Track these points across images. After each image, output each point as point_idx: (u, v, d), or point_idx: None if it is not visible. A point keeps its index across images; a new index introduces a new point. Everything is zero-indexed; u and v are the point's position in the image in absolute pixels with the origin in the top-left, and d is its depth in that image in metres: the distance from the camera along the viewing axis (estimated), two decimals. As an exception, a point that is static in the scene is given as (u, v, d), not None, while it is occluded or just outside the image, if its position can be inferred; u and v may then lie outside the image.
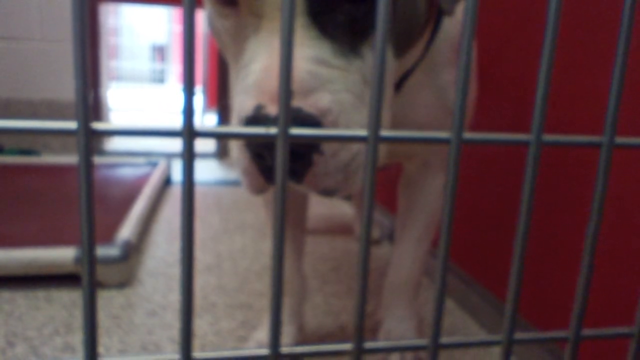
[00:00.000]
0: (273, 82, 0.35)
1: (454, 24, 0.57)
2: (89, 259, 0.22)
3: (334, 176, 0.37)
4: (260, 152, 0.36)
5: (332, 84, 0.36)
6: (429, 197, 0.67)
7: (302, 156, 0.36)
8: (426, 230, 0.69)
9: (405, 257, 0.70)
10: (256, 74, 0.36)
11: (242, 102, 0.36)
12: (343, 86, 0.36)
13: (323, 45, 0.36)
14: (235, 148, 0.38)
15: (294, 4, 0.22)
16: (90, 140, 0.21)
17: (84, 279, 0.23)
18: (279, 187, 0.24)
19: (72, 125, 0.21)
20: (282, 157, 0.24)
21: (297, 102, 0.35)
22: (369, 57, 0.38)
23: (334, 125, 0.36)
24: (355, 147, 0.38)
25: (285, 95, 0.23)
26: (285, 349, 0.27)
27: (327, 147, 0.36)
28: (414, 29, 0.42)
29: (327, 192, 0.38)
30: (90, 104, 0.21)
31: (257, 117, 0.35)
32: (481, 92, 0.89)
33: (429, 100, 0.57)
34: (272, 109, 0.34)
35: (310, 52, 0.36)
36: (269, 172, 0.37)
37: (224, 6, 0.39)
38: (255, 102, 0.35)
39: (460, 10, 0.58)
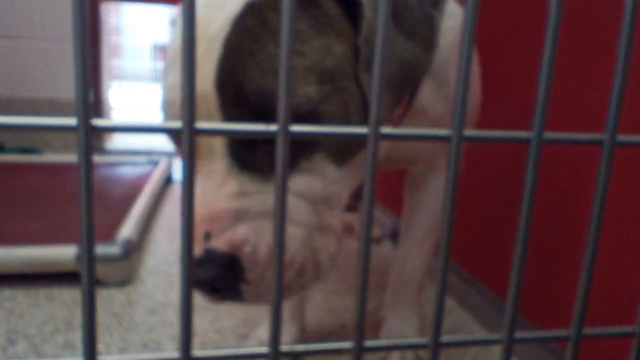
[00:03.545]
0: (199, 226, 0.39)
1: (455, 25, 0.56)
2: (88, 254, 0.22)
3: (270, 294, 0.41)
4: (197, 288, 0.40)
5: (248, 212, 0.40)
6: (433, 198, 0.67)
7: (230, 289, 0.40)
8: (430, 231, 0.69)
9: (409, 257, 0.70)
10: (202, 215, 0.41)
11: None
12: (260, 209, 0.40)
13: (242, 177, 0.40)
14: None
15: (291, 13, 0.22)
16: (90, 136, 0.21)
17: (84, 276, 0.23)
18: (279, 187, 0.24)
19: (72, 121, 0.21)
20: (282, 154, 0.24)
21: (212, 243, 0.39)
22: (302, 178, 0.41)
23: (253, 253, 0.39)
24: (287, 259, 0.41)
25: (285, 94, 0.23)
26: (285, 347, 0.26)
27: (251, 274, 0.40)
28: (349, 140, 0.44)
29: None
30: (90, 101, 0.21)
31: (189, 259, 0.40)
32: (482, 91, 0.89)
33: (440, 113, 0.57)
34: (195, 251, 0.39)
35: (228, 189, 0.40)
36: (212, 297, 0.41)
37: (177, 143, 0.44)
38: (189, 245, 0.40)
39: (460, 12, 0.58)
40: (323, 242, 0.43)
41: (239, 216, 0.39)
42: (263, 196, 0.40)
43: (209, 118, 0.40)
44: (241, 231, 0.39)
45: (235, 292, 0.40)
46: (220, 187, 0.40)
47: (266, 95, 0.38)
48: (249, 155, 0.40)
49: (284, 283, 0.41)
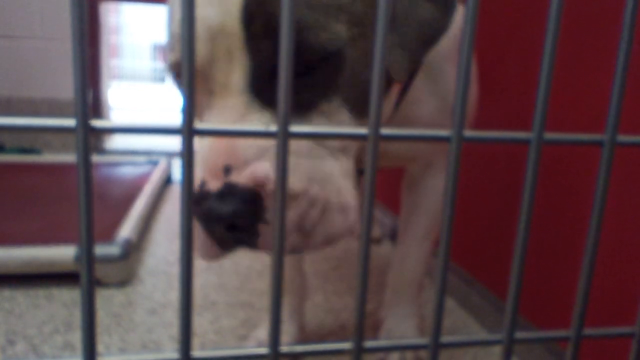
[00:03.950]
0: (217, 159, 0.37)
1: (454, 20, 0.56)
2: (88, 255, 0.22)
3: (287, 238, 0.38)
4: (210, 227, 0.37)
5: (271, 150, 0.38)
6: (432, 197, 0.67)
7: (248, 227, 0.38)
8: (428, 231, 0.69)
9: (408, 256, 0.70)
10: (204, 150, 0.38)
11: (195, 174, 0.38)
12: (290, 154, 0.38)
13: (264, 114, 0.38)
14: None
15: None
16: (89, 137, 0.21)
17: (83, 277, 0.23)
18: (279, 187, 0.24)
19: (70, 122, 0.21)
20: (281, 155, 0.24)
21: (233, 177, 0.37)
22: (320, 121, 0.39)
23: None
24: (304, 205, 0.38)
25: (285, 94, 0.23)
26: (284, 348, 0.26)
27: (271, 214, 0.37)
28: (367, 90, 0.43)
29: (286, 253, 0.40)
30: (89, 102, 0.21)
31: (202, 194, 0.37)
32: (482, 91, 0.88)
33: (433, 108, 0.57)
34: (213, 185, 0.37)
35: (249, 124, 0.38)
36: (222, 242, 0.39)
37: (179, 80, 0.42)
38: (200, 178, 0.38)
39: (460, 14, 0.58)
40: (345, 184, 0.41)
41: (261, 152, 0.37)
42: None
43: (228, 55, 0.37)
44: (264, 167, 0.37)
45: (252, 233, 0.37)
46: (239, 121, 0.38)
47: (302, 27, 0.36)
48: (270, 92, 0.38)
49: (307, 224, 0.39)
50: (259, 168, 0.37)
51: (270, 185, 0.37)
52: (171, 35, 0.40)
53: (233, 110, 0.38)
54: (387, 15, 0.24)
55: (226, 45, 0.37)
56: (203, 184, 0.37)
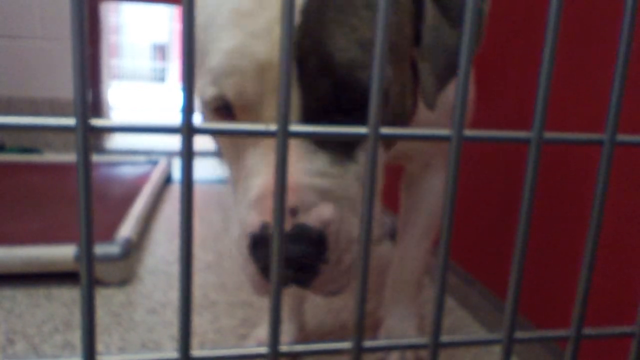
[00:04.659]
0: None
1: None
2: (87, 254, 0.22)
3: (339, 280, 0.39)
4: (266, 265, 0.37)
5: (331, 193, 0.38)
6: (431, 196, 0.67)
7: (310, 267, 0.38)
8: (427, 230, 0.69)
9: (407, 256, 0.70)
10: (259, 190, 0.38)
11: (247, 217, 0.38)
12: (342, 193, 0.39)
13: (319, 157, 0.38)
14: (240, 256, 0.40)
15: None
16: (89, 136, 0.21)
17: (83, 276, 0.23)
18: (278, 187, 0.24)
19: (70, 121, 0.21)
20: (280, 157, 0.24)
21: (301, 218, 0.37)
22: (363, 159, 0.40)
23: (337, 233, 0.38)
24: (356, 251, 0.39)
25: (285, 94, 0.23)
26: (284, 348, 0.26)
27: (332, 255, 0.38)
28: (402, 120, 0.44)
29: (332, 294, 0.41)
30: (88, 101, 0.21)
31: (263, 237, 0.37)
32: (482, 91, 0.88)
33: (436, 115, 0.58)
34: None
35: (308, 166, 0.38)
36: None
37: (222, 117, 0.41)
38: (260, 220, 0.37)
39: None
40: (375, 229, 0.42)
41: (323, 194, 0.38)
42: (342, 180, 0.39)
43: (278, 70, 0.37)
44: (330, 209, 0.37)
45: (313, 272, 0.38)
46: (298, 162, 0.38)
47: (357, 67, 0.37)
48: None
49: (348, 265, 0.39)
50: (326, 210, 0.37)
51: (332, 228, 0.38)
52: (210, 69, 0.39)
53: (288, 151, 0.38)
54: (387, 18, 0.24)
55: (276, 80, 0.37)
56: (266, 226, 0.37)
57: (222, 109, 0.40)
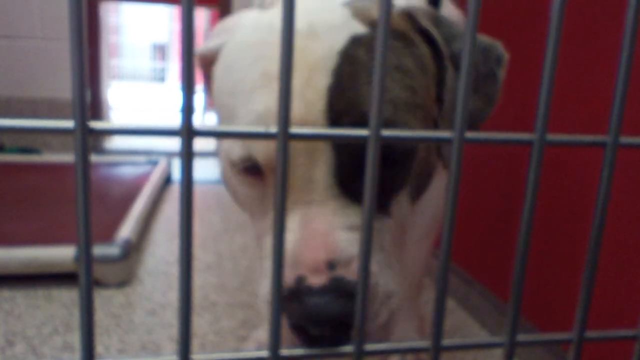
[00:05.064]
0: (311, 253, 0.36)
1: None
2: (86, 255, 0.22)
3: (376, 335, 0.38)
4: (311, 325, 0.34)
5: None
6: (431, 198, 0.67)
7: (347, 324, 0.35)
8: (428, 231, 0.69)
9: (407, 257, 0.70)
10: (293, 245, 0.37)
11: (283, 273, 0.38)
12: (378, 247, 0.39)
13: (354, 211, 0.38)
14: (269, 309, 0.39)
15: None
16: (87, 138, 0.21)
17: (82, 277, 0.22)
18: (278, 187, 0.24)
19: (69, 124, 0.21)
20: (282, 156, 0.23)
21: (339, 271, 0.35)
22: (396, 213, 0.41)
23: (375, 287, 0.37)
24: (394, 304, 0.39)
25: (285, 95, 0.23)
26: (285, 351, 0.26)
27: (371, 309, 0.37)
28: (427, 179, 0.45)
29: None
30: (87, 103, 0.21)
31: (300, 289, 0.35)
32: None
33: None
34: (315, 280, 0.35)
35: (344, 221, 0.37)
36: (310, 341, 0.35)
37: (249, 175, 0.41)
38: (295, 274, 0.36)
39: (457, 14, 0.58)
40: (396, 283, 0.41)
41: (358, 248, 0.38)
42: (377, 233, 0.39)
43: (311, 149, 0.37)
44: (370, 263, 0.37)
45: (349, 335, 0.35)
46: (333, 216, 0.37)
47: (390, 126, 0.38)
48: (356, 188, 0.38)
49: (385, 319, 0.39)
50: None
51: (373, 279, 0.37)
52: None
53: (322, 206, 0.37)
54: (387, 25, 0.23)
55: (307, 143, 0.37)
56: (301, 279, 0.35)
57: (251, 168, 0.40)
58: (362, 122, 0.37)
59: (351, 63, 0.38)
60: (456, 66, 0.44)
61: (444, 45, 0.43)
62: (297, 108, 0.37)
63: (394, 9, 0.43)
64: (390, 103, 0.38)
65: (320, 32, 0.39)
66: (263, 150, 0.38)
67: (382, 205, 0.40)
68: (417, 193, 0.43)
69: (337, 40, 0.38)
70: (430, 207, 0.68)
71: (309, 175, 0.37)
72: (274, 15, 0.42)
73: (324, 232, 0.36)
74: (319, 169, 0.37)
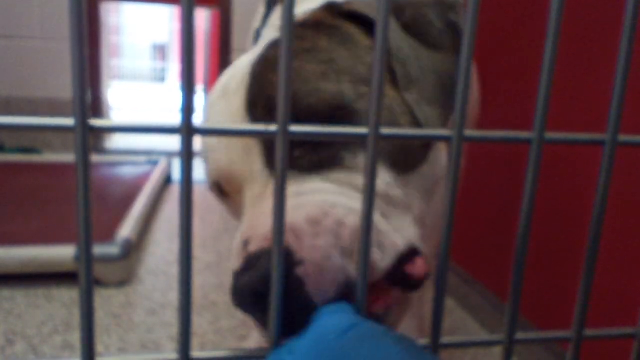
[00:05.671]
0: (258, 229, 0.36)
1: None
2: (86, 255, 0.22)
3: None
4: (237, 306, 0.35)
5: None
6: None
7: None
8: (428, 231, 0.69)
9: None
10: (243, 232, 0.38)
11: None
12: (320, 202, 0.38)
13: (312, 179, 0.38)
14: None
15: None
16: (88, 136, 0.21)
17: (82, 277, 0.22)
18: (279, 187, 0.24)
19: (69, 122, 0.21)
20: (281, 153, 0.23)
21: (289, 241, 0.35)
22: (341, 177, 0.39)
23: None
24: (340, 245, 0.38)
25: (285, 94, 0.23)
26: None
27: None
28: (415, 150, 0.44)
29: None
30: (87, 101, 0.21)
31: (250, 258, 0.35)
32: (483, 91, 0.88)
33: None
34: (254, 244, 0.35)
35: (298, 188, 0.38)
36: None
37: (224, 196, 0.45)
38: (246, 253, 0.36)
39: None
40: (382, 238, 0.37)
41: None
42: (317, 194, 0.38)
43: (244, 142, 0.40)
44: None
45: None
46: (298, 195, 0.37)
47: (295, 96, 0.39)
48: (300, 158, 0.39)
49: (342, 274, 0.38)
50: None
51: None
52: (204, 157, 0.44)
53: (261, 193, 0.39)
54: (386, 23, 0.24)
55: (240, 140, 0.40)
56: (246, 242, 0.36)
57: (223, 191, 0.45)
58: (269, 102, 0.39)
59: (262, 65, 0.41)
60: (414, 32, 0.44)
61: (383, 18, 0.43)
62: (224, 112, 0.42)
63: (312, 10, 0.45)
64: (302, 80, 0.39)
65: (242, 66, 0.44)
66: (225, 177, 0.42)
67: (323, 171, 0.39)
68: (393, 158, 0.41)
69: (252, 59, 0.43)
70: (431, 206, 0.68)
71: (252, 169, 0.39)
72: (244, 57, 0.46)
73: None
74: (256, 160, 0.39)
